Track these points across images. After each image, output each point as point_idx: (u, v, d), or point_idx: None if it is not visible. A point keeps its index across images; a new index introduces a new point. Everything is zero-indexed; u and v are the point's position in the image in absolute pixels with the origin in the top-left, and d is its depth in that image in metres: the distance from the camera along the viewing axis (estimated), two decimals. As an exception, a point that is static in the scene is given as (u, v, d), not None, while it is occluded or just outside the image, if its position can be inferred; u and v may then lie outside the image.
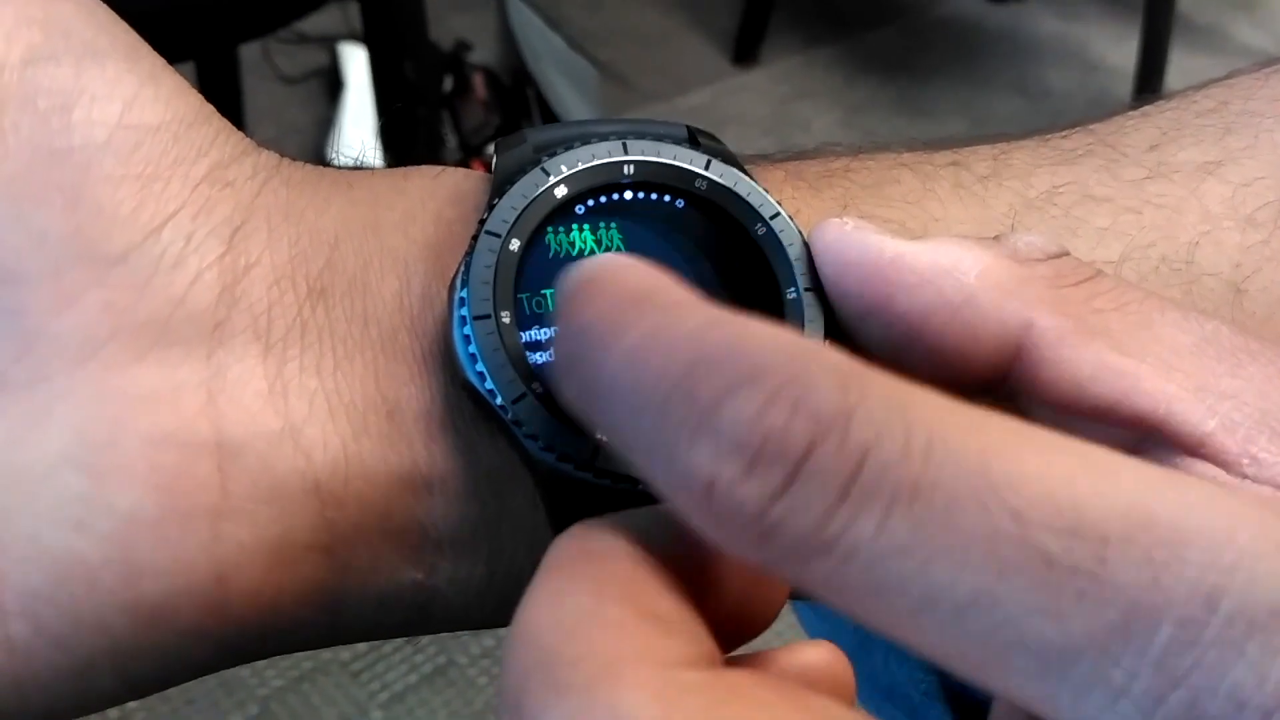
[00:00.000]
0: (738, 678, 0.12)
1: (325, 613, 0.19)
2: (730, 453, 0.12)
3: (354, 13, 1.06)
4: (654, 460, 0.12)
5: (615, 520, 0.14)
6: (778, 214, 0.20)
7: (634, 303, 0.13)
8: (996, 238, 0.18)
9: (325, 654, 0.94)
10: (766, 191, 0.20)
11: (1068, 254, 0.18)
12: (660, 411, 0.12)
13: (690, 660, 0.12)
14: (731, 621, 0.14)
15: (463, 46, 1.48)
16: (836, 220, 0.18)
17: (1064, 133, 0.24)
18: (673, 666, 0.12)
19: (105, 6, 0.19)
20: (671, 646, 0.12)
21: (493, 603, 0.20)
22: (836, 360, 0.12)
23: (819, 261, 0.19)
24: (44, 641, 0.17)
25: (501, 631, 0.20)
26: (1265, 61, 0.25)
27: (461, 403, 0.18)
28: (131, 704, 0.19)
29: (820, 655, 0.15)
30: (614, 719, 0.11)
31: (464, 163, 1.37)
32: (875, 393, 0.12)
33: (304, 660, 0.94)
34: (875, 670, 0.40)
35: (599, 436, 0.18)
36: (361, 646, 0.94)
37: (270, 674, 0.92)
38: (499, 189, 0.19)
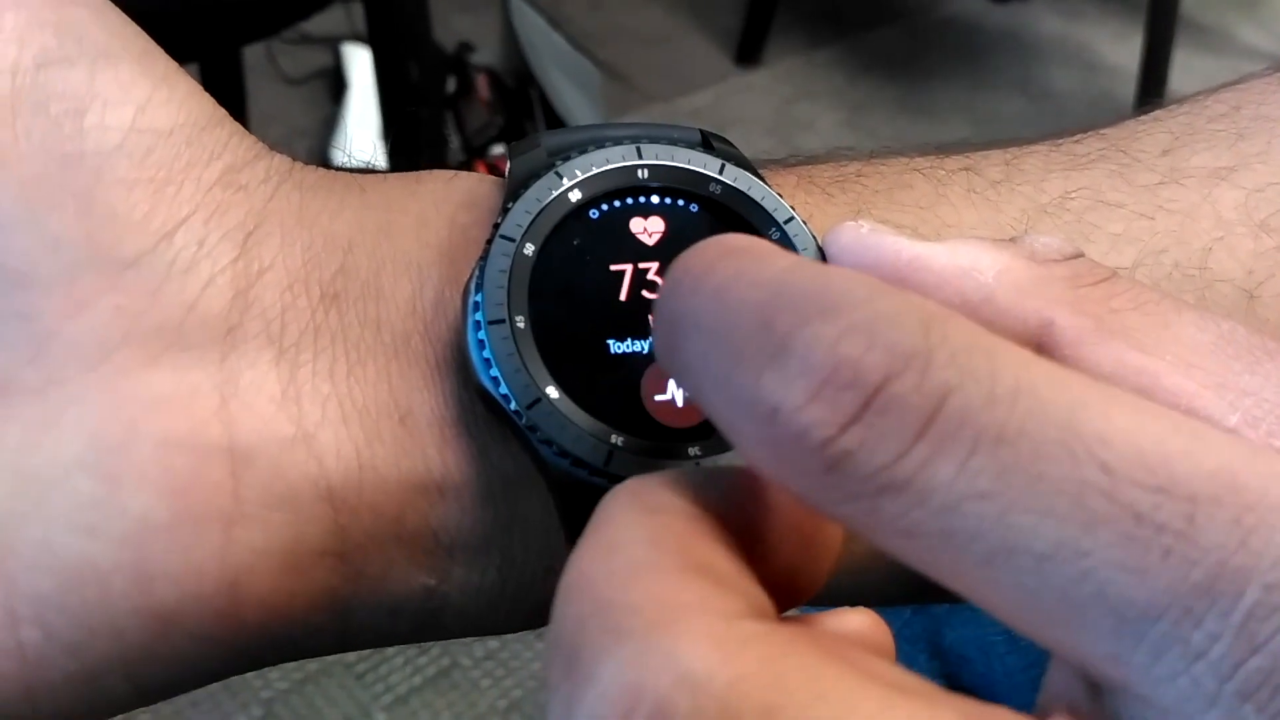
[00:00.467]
0: (795, 632, 0.12)
1: (336, 619, 0.18)
2: (798, 377, 0.12)
3: (357, 14, 1.06)
4: (722, 393, 0.12)
5: (667, 477, 0.13)
6: (791, 218, 0.20)
7: (728, 252, 0.13)
8: (1013, 239, 0.18)
9: (329, 656, 0.93)
10: (780, 196, 0.20)
11: (1084, 255, 0.18)
12: (735, 344, 0.12)
13: (747, 614, 0.12)
14: (781, 585, 0.14)
15: (466, 47, 1.48)
16: (852, 223, 0.18)
17: (1076, 137, 0.23)
18: (732, 617, 0.12)
19: (118, 10, 0.19)
20: (728, 599, 0.12)
21: (504, 609, 0.19)
22: (919, 302, 0.12)
23: (834, 264, 0.18)
24: (55, 647, 0.17)
25: (507, 635, 0.20)
26: (1277, 64, 0.25)
27: (475, 408, 0.18)
28: (135, 705, 0.19)
29: (863, 620, 0.15)
30: (672, 664, 0.11)
31: (467, 164, 1.37)
32: (959, 336, 0.12)
33: (308, 662, 0.93)
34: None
35: (613, 440, 0.18)
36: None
37: (274, 675, 0.92)
38: (513, 193, 0.19)
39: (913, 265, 0.17)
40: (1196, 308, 0.17)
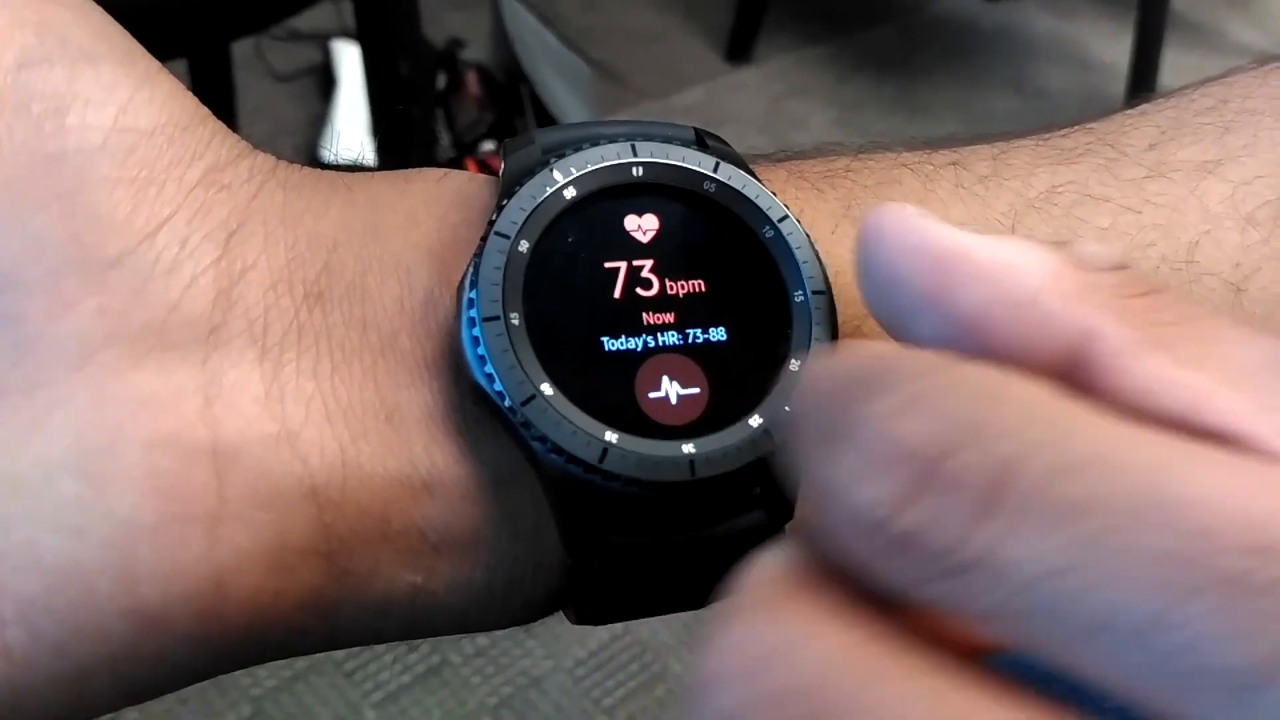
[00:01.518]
0: (884, 626, 0.12)
1: (323, 618, 0.18)
2: (855, 454, 0.12)
3: (347, 10, 1.06)
4: (806, 485, 0.13)
5: None
6: (786, 217, 0.20)
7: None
8: (1061, 244, 0.17)
9: (318, 654, 0.93)
10: (774, 194, 0.20)
11: (1130, 267, 0.17)
12: (810, 427, 0.13)
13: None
14: None
15: (456, 44, 1.48)
16: (896, 205, 0.17)
17: (1063, 132, 0.23)
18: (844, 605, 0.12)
19: (100, 9, 0.19)
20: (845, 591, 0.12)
21: (494, 606, 0.19)
22: (984, 372, 0.12)
23: (871, 247, 0.17)
24: (42, 649, 0.17)
25: (497, 632, 0.20)
26: (1263, 59, 0.25)
27: (464, 405, 0.18)
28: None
29: None
30: (777, 638, 0.12)
31: (458, 160, 1.36)
32: (1024, 404, 0.11)
33: (297, 660, 0.93)
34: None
35: (607, 438, 0.18)
36: (356, 646, 0.94)
37: (263, 673, 0.92)
38: (507, 190, 0.19)
39: (958, 255, 0.16)
40: (1244, 325, 0.17)
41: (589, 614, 0.20)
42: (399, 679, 0.93)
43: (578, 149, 0.19)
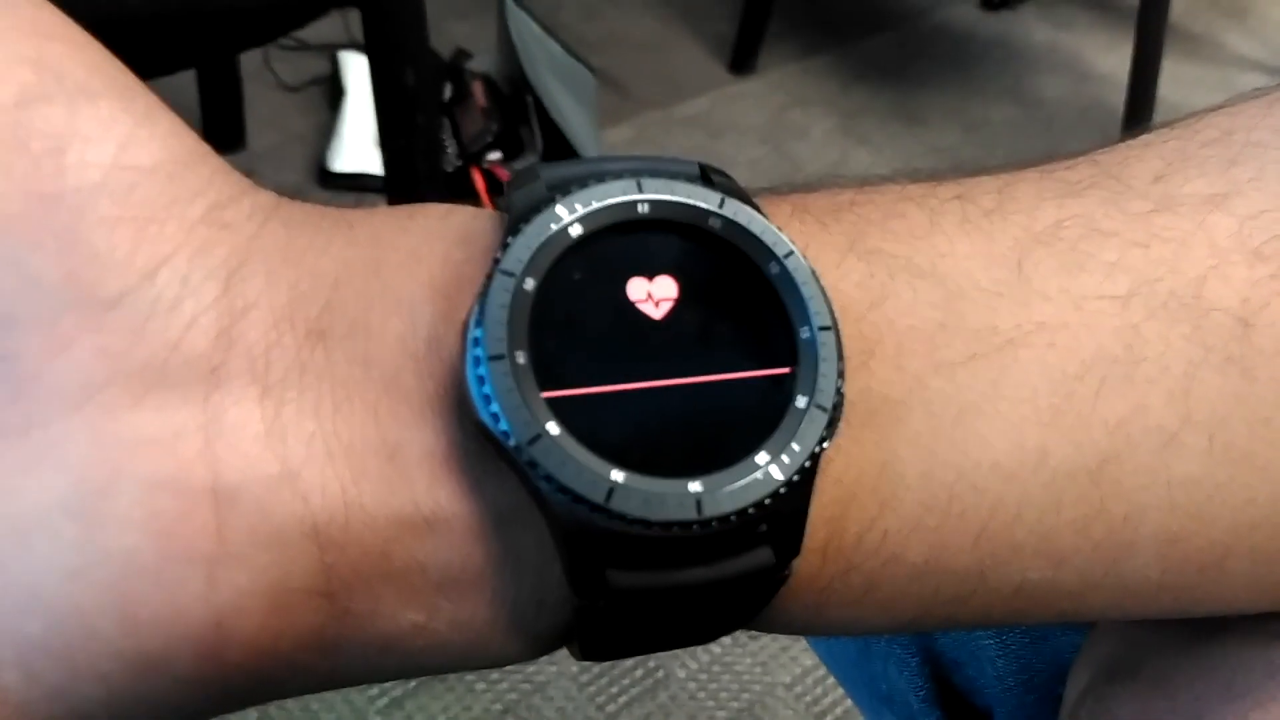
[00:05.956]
0: None
1: (324, 657, 0.18)
2: None
3: (354, 21, 1.06)
4: None
5: None
6: (791, 252, 0.19)
7: None
8: None
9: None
10: (779, 229, 0.20)
11: None
12: None
13: None
14: None
15: (462, 54, 1.48)
16: None
17: (1067, 164, 0.23)
18: None
19: (99, 45, 0.19)
20: None
21: (496, 644, 0.19)
22: None
23: None
24: (39, 692, 0.16)
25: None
26: (1268, 88, 0.25)
27: (467, 444, 0.18)
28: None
29: None
30: None
31: (463, 170, 1.36)
32: None
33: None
34: (874, 677, 0.40)
35: (614, 477, 0.18)
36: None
37: (266, 684, 0.92)
38: (513, 227, 0.19)
39: None
40: None
41: (594, 651, 0.20)
42: (404, 685, 0.93)
43: (583, 185, 0.19)
